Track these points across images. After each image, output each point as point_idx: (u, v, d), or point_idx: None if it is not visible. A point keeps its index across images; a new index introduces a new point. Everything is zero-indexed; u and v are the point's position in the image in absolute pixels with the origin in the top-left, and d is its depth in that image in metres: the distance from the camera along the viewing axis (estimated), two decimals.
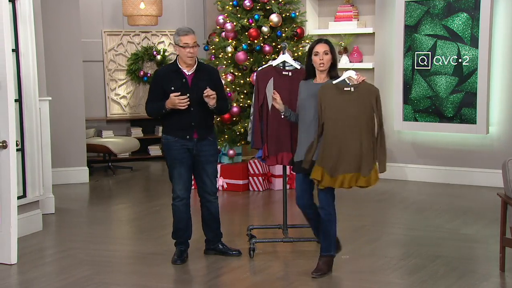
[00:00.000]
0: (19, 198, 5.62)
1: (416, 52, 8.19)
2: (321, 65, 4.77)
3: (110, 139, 9.63)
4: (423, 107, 8.22)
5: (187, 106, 5.06)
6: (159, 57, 10.46)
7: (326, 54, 4.76)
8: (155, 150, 10.43)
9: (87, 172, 8.67)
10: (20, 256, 5.25)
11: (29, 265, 5.21)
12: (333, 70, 4.84)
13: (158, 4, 9.58)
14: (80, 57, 8.55)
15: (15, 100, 5.68)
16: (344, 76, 4.72)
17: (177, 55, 5.24)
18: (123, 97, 10.49)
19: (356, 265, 5.23)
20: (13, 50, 5.62)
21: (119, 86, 10.47)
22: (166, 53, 10.53)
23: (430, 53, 8.11)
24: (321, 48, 4.77)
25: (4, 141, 5.15)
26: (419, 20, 8.14)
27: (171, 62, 5.75)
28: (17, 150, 5.62)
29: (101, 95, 10.36)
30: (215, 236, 5.46)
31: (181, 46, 5.09)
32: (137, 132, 10.41)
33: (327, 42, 4.84)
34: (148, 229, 6.43)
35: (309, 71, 4.93)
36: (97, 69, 10.24)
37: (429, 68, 8.14)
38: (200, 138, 5.21)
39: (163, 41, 10.66)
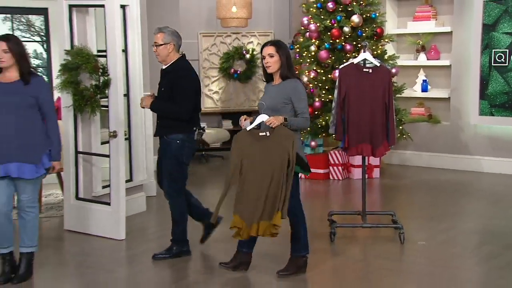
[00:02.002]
0: (126, 181, 5.84)
1: (493, 50, 7.96)
2: (267, 68, 4.44)
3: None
4: (500, 102, 7.98)
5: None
6: (248, 56, 10.59)
7: (271, 56, 4.35)
8: None
9: None
10: (127, 233, 5.48)
11: (135, 241, 5.43)
12: (282, 71, 4.39)
13: (248, 7, 9.71)
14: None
15: (124, 95, 5.91)
16: (258, 120, 4.31)
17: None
18: (215, 92, 10.71)
19: (433, 251, 5.16)
20: (122, 51, 5.87)
21: (212, 83, 10.70)
22: (255, 52, 10.66)
23: (507, 50, 7.87)
24: (265, 51, 4.40)
25: (114, 131, 5.39)
26: (497, 18, 7.90)
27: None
28: (125, 139, 5.84)
29: None
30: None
31: None
32: (228, 124, 10.61)
33: (273, 44, 4.41)
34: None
35: (266, 75, 4.58)
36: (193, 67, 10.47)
37: (507, 65, 7.89)
38: (156, 135, 5.00)
39: (251, 41, 10.79)
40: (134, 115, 6.36)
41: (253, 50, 10.64)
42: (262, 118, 4.27)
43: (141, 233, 5.68)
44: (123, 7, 5.92)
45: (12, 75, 4.31)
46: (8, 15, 8.29)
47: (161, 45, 4.82)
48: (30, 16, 8.38)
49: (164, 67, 4.94)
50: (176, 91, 4.79)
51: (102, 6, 5.37)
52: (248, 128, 4.29)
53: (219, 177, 8.59)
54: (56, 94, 6.22)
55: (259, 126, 4.30)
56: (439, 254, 5.09)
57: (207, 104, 10.69)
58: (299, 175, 4.57)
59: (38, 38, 8.43)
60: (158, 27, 4.95)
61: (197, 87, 5.00)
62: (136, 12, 6.34)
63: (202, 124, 10.20)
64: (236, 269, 4.59)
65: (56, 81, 5.74)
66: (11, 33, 7.76)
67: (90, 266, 4.80)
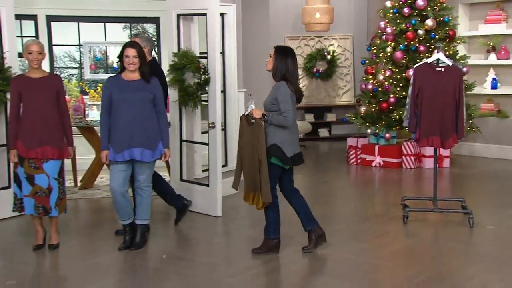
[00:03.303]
0: (222, 166, 5.92)
1: None
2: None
3: None
4: None
5: None
6: (329, 56, 10.50)
7: (270, 56, 4.36)
8: (323, 132, 10.54)
9: None
10: (223, 211, 5.57)
11: (229, 218, 5.52)
12: (273, 73, 4.34)
13: (331, 13, 9.61)
14: (268, 57, 8.82)
15: (221, 91, 6.01)
16: (249, 109, 4.31)
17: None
18: None
19: (501, 235, 4.95)
20: (221, 53, 5.96)
21: None
22: (335, 54, 10.55)
23: None
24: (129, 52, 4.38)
25: (212, 123, 5.50)
26: None
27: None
28: (222, 129, 5.93)
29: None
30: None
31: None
32: (310, 117, 10.57)
33: (276, 48, 4.37)
34: (319, 195, 6.54)
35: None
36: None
37: None
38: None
39: (332, 44, 10.68)
40: (229, 109, 6.46)
41: (334, 51, 10.54)
42: (251, 107, 4.31)
43: (234, 211, 5.77)
44: (222, 15, 6.01)
45: (135, 75, 4.49)
46: (127, 24, 8.65)
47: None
48: (144, 24, 8.71)
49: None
50: None
51: (205, 14, 5.47)
52: (246, 113, 4.35)
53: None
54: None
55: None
56: (507, 237, 4.88)
57: None
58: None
59: None
60: (135, 33, 5.00)
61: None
62: (232, 19, 6.42)
63: None
64: (268, 254, 4.49)
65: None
66: (129, 39, 8.03)
67: (193, 238, 4.94)
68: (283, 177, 4.49)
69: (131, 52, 4.41)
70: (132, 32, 8.55)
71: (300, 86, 4.44)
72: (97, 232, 5.09)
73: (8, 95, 5.31)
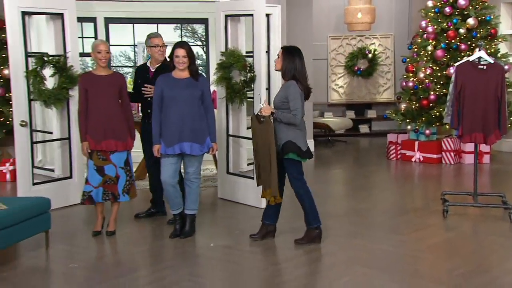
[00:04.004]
0: None
1: None
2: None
3: (330, 119, 9.78)
4: None
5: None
6: (370, 55, 10.32)
7: (278, 57, 4.34)
8: (364, 128, 10.38)
9: (313, 143, 8.91)
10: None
11: None
12: (283, 73, 4.35)
13: (372, 13, 9.44)
14: (311, 56, 8.75)
15: (266, 89, 5.98)
16: (258, 108, 4.32)
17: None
18: (340, 86, 10.57)
19: None
20: (266, 52, 5.92)
21: (338, 78, 10.57)
22: (376, 52, 10.36)
23: None
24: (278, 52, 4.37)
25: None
26: None
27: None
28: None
29: (324, 85, 10.53)
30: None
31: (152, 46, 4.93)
32: (351, 113, 10.43)
33: (284, 48, 4.35)
34: (359, 189, 6.46)
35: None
36: (322, 65, 10.41)
37: None
38: None
39: (374, 43, 10.50)
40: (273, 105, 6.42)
41: (375, 50, 10.36)
42: (260, 105, 4.29)
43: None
44: (267, 15, 5.97)
45: (184, 73, 4.52)
46: (178, 25, 8.74)
47: (166, 46, 4.89)
48: (194, 25, 8.78)
49: (156, 65, 4.96)
50: None
51: (251, 15, 5.46)
52: (256, 113, 4.33)
53: (342, 158, 8.51)
54: (212, 88, 6.44)
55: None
56: None
57: (333, 96, 10.58)
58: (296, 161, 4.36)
59: (199, 43, 8.84)
60: (155, 32, 4.99)
61: None
62: (277, 20, 6.37)
63: (328, 114, 10.25)
64: (264, 238, 4.50)
65: (212, 77, 5.94)
66: (180, 39, 8.11)
67: (238, 228, 4.95)
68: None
69: (181, 52, 4.44)
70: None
71: (309, 83, 4.42)
72: (149, 220, 5.17)
73: (71, 92, 5.46)
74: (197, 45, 9.03)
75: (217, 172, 6.14)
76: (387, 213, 5.39)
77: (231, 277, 3.86)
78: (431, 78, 7.66)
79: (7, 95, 6.93)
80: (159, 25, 8.74)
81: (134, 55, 8.98)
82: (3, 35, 7.09)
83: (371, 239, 4.54)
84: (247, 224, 5.05)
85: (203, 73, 8.27)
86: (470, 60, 5.12)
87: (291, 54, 4.29)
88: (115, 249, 4.44)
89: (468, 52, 7.33)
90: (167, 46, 4.93)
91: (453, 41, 7.49)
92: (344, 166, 8.03)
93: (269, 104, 4.53)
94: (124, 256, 4.29)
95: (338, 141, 9.74)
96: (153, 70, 4.97)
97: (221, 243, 4.50)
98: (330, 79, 10.53)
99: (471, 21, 7.37)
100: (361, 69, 10.35)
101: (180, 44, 4.52)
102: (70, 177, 5.64)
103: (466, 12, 7.49)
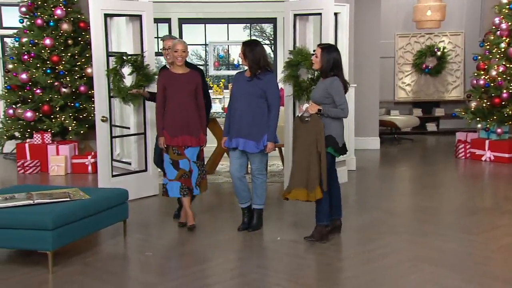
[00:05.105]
0: None
1: None
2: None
3: (396, 117, 9.55)
4: None
5: None
6: (439, 53, 9.96)
7: (316, 56, 4.29)
8: (431, 127, 10.06)
9: (378, 141, 8.74)
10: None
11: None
12: (323, 70, 4.30)
13: (442, 10, 9.10)
14: (378, 54, 8.58)
15: None
16: (304, 107, 4.25)
17: None
18: (408, 84, 10.28)
19: None
20: None
21: (405, 76, 10.28)
22: (445, 50, 9.98)
23: None
24: (316, 50, 4.31)
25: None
26: None
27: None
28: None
29: (390, 83, 10.28)
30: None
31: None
32: (418, 112, 10.14)
33: (323, 47, 4.27)
34: (426, 187, 6.26)
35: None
36: (389, 64, 10.17)
37: None
38: None
39: (443, 40, 10.12)
40: None
41: (444, 48, 9.99)
42: (306, 105, 4.28)
43: (344, 199, 5.59)
44: (335, 14, 5.91)
45: (250, 71, 4.54)
46: (247, 24, 8.82)
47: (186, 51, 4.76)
48: (262, 24, 8.82)
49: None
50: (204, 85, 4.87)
51: (320, 14, 5.41)
52: (299, 114, 4.31)
53: (408, 156, 8.28)
54: (280, 85, 6.44)
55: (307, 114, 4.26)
56: None
57: (400, 94, 10.32)
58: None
59: (267, 42, 8.86)
60: (171, 35, 4.86)
61: None
62: (345, 18, 6.29)
63: (395, 112, 10.01)
64: (321, 241, 4.35)
65: (280, 75, 5.94)
66: (250, 38, 8.16)
67: (304, 223, 4.93)
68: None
69: (241, 50, 4.49)
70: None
71: (346, 78, 4.44)
72: (218, 213, 5.26)
73: (147, 89, 5.64)
74: (266, 44, 9.07)
75: (283, 167, 6.15)
76: (456, 212, 5.19)
77: (297, 271, 3.85)
78: (504, 76, 7.28)
79: (89, 92, 7.28)
80: (229, 24, 8.86)
81: (205, 54, 9.14)
82: (87, 36, 7.45)
83: (439, 238, 4.39)
84: (313, 219, 5.02)
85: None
86: None
87: (329, 51, 4.29)
88: (187, 239, 4.55)
89: None
90: (184, 51, 4.76)
91: None
92: (410, 164, 7.80)
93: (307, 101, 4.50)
94: (195, 247, 4.39)
95: (404, 139, 9.48)
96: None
97: (287, 237, 4.50)
98: (397, 77, 10.26)
99: None
100: (430, 67, 10.01)
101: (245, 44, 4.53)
102: (145, 170, 5.83)
103: None
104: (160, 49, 5.62)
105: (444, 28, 9.84)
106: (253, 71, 4.47)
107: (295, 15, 5.72)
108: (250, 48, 4.45)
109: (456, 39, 10.17)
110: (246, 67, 4.56)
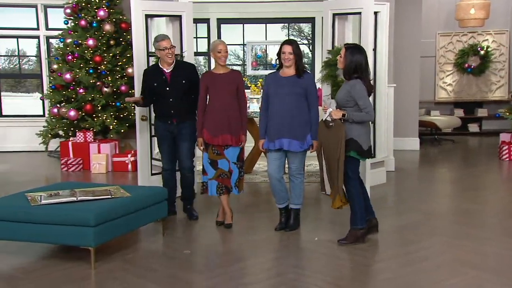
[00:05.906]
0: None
1: None
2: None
3: (437, 117, 9.36)
4: None
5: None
6: (482, 52, 9.69)
7: (340, 56, 4.23)
8: (473, 127, 9.80)
9: (418, 142, 8.58)
10: (371, 200, 5.32)
11: (376, 207, 5.11)
12: (345, 72, 4.24)
13: (487, 8, 8.85)
14: (419, 54, 8.42)
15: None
16: (328, 113, 4.19)
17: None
18: (449, 84, 10.05)
19: None
20: (372, 49, 5.79)
21: (446, 76, 10.05)
22: (489, 49, 9.70)
23: None
24: (342, 51, 4.22)
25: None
26: None
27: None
28: (371, 122, 5.75)
29: (431, 83, 10.08)
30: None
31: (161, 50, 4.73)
32: (459, 112, 9.91)
33: (348, 46, 4.22)
34: (467, 189, 6.10)
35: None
36: (429, 63, 9.98)
37: None
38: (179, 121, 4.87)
39: (487, 39, 9.84)
40: (379, 103, 6.27)
41: (488, 47, 9.71)
42: (330, 110, 4.20)
43: (382, 201, 5.62)
44: (375, 13, 5.83)
45: (290, 71, 4.51)
46: (285, 24, 8.81)
47: (174, 47, 4.82)
48: (301, 24, 8.79)
49: (171, 66, 4.83)
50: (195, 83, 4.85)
51: (359, 13, 5.35)
52: (322, 118, 4.28)
53: (449, 157, 8.10)
54: (318, 85, 6.40)
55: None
56: None
57: (441, 94, 10.10)
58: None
59: (305, 41, 8.83)
60: (162, 34, 4.87)
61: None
62: (385, 17, 6.20)
63: (435, 112, 9.83)
64: (355, 244, 4.28)
65: (318, 75, 5.91)
66: (288, 38, 8.15)
67: (341, 224, 4.88)
68: None
69: (287, 49, 4.43)
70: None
71: (371, 80, 4.37)
72: (255, 212, 5.27)
73: None
74: (303, 44, 9.04)
75: (319, 168, 6.10)
76: (499, 214, 5.04)
77: (334, 271, 3.82)
78: None
79: (130, 92, 7.42)
80: (267, 24, 8.87)
81: (243, 53, 9.18)
82: (128, 36, 7.61)
83: (481, 241, 4.28)
84: (348, 219, 4.96)
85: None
86: None
87: (353, 52, 4.20)
88: (224, 238, 4.58)
89: None
90: (175, 47, 4.88)
91: None
92: (451, 165, 7.62)
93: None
94: (233, 246, 4.41)
95: (445, 140, 9.27)
96: (168, 71, 4.84)
97: (325, 238, 4.47)
98: (438, 76, 10.04)
99: None
100: (472, 67, 9.75)
101: (289, 42, 4.52)
102: None
103: None
104: (201, 51, 5.67)
105: (488, 26, 9.56)
106: (299, 71, 4.45)
107: (334, 15, 5.67)
108: (297, 46, 4.46)
109: (500, 38, 9.87)
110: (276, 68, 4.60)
